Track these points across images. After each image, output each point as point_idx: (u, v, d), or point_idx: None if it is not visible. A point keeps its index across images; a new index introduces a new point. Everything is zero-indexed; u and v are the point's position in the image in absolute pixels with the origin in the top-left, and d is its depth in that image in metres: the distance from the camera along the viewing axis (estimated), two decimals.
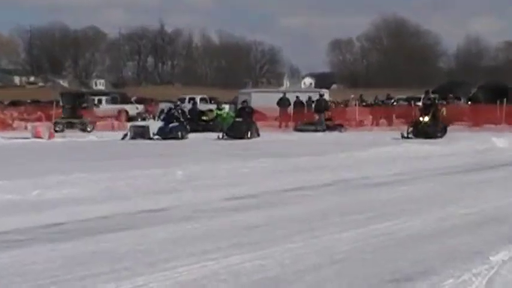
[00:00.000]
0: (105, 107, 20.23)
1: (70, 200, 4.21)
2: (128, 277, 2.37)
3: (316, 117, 14.51)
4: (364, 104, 18.16)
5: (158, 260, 2.62)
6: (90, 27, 54.35)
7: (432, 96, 16.85)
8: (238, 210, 3.86)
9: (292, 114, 15.88)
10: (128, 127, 12.68)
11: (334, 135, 12.76)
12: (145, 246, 2.89)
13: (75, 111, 14.64)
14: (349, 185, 5.10)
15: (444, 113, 12.21)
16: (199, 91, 29.46)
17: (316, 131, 13.67)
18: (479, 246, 2.86)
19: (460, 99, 17.21)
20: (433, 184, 5.09)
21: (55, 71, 52.58)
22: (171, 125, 11.79)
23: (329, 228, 3.28)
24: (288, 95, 16.97)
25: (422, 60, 49.69)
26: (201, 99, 21.77)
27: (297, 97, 16.63)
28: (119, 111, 19.44)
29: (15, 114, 17.73)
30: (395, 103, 18.59)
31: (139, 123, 15.20)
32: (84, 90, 34.09)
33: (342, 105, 18.95)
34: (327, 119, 14.57)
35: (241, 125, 11.57)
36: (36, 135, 11.89)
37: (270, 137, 12.00)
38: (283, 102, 16.36)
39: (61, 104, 16.28)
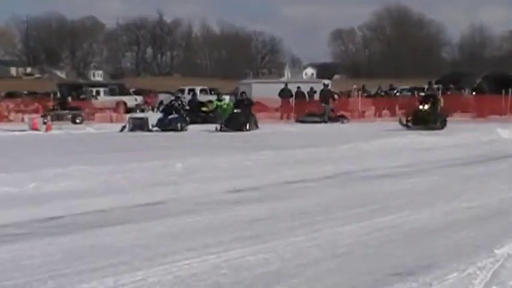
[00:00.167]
0: (103, 98, 20.03)
1: (67, 193, 4.18)
2: (127, 271, 2.34)
3: (324, 106, 14.32)
4: (366, 94, 18.02)
5: (157, 254, 2.59)
6: (87, 17, 54.01)
7: (435, 86, 16.72)
8: (240, 203, 3.82)
9: (293, 105, 15.77)
10: (127, 119, 12.62)
11: (336, 126, 12.69)
12: (144, 240, 2.86)
13: (64, 103, 14.46)
14: (352, 177, 5.06)
15: (441, 103, 12.13)
16: (199, 82, 29.27)
17: (318, 122, 13.58)
18: (484, 240, 2.82)
19: (464, 90, 17.07)
20: (437, 176, 5.05)
21: (52, 62, 52.24)
22: (170, 117, 11.72)
23: (331, 221, 3.25)
24: (289, 86, 16.87)
25: (425, 50, 49.36)
26: (201, 90, 21.64)
27: (298, 88, 16.53)
28: (117, 103, 19.26)
29: (12, 106, 17.58)
30: (398, 94, 18.47)
31: (138, 114, 15.14)
32: (81, 81, 33.87)
33: (344, 96, 18.77)
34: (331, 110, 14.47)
35: (239, 117, 11.42)
36: (33, 128, 11.84)
37: (271, 128, 11.92)
38: (284, 93, 16.25)
39: (57, 95, 16.15)
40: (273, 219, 3.30)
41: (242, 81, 21.84)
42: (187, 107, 12.82)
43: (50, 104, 15.61)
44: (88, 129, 12.40)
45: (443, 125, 10.84)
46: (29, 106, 17.61)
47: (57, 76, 46.82)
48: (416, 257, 2.54)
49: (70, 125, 13.37)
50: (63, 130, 11.85)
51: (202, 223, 3.25)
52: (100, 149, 7.88)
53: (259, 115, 15.27)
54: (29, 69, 51.27)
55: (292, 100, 15.95)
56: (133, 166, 5.30)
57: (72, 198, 4.00)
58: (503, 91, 14.39)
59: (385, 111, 15.94)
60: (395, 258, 2.53)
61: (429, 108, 10.91)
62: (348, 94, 19.14)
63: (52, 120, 12.44)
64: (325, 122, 13.63)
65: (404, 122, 10.94)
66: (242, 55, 53.44)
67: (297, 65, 56.13)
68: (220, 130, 11.09)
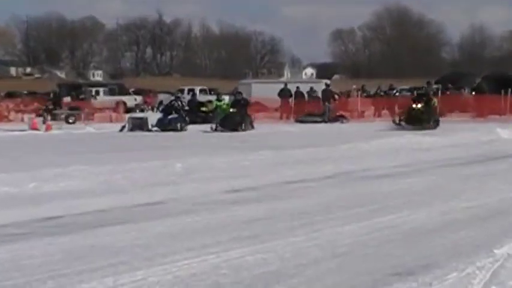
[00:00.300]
0: (103, 98, 20.02)
1: (67, 193, 4.18)
2: (126, 271, 2.34)
3: (326, 105, 14.30)
4: (365, 94, 18.02)
5: (157, 254, 2.59)
6: (87, 17, 53.97)
7: (435, 86, 16.66)
8: (239, 203, 3.82)
9: (293, 105, 15.79)
10: (126, 119, 12.62)
11: (335, 126, 12.69)
12: (143, 240, 2.86)
13: (59, 102, 14.41)
14: (351, 177, 5.06)
15: (436, 103, 12.09)
16: (199, 82, 29.26)
17: (317, 122, 13.59)
18: (484, 240, 2.83)
19: (464, 90, 17.07)
20: (436, 176, 5.05)
21: (52, 62, 52.21)
22: (170, 117, 11.72)
23: (331, 221, 3.25)
24: (289, 86, 16.88)
25: (425, 50, 49.33)
26: (201, 90, 21.62)
27: (298, 88, 16.54)
28: (117, 103, 19.26)
29: (12, 105, 17.56)
30: (397, 94, 18.51)
31: (138, 114, 15.13)
32: (81, 81, 33.85)
33: (344, 96, 18.78)
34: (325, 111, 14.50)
35: (235, 117, 11.33)
36: (33, 127, 11.83)
37: (270, 128, 11.92)
38: (284, 93, 16.26)
39: (51, 95, 16.08)
40: (272, 219, 3.31)
41: (241, 81, 21.83)
42: (187, 107, 12.81)
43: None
44: (88, 129, 12.40)
45: (436, 124, 10.75)
46: (29, 106, 17.59)
47: (57, 76, 46.81)
48: (415, 257, 2.54)
49: (69, 124, 13.37)
50: (63, 130, 11.87)
51: (201, 223, 3.25)
52: (100, 148, 7.88)
53: (258, 115, 15.28)
54: (28, 69, 51.23)
55: (291, 100, 15.97)
56: (133, 166, 5.30)
57: (72, 198, 4.00)
58: (503, 91, 14.38)
59: (385, 111, 15.94)
60: (395, 258, 2.53)
61: (422, 107, 10.81)
62: (348, 94, 19.14)
63: (44, 119, 12.44)
64: (325, 121, 13.63)
65: (397, 121, 10.87)
66: (242, 55, 53.41)
67: (296, 65, 56.14)
68: (216, 130, 11.06)
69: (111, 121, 14.91)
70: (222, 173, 5.17)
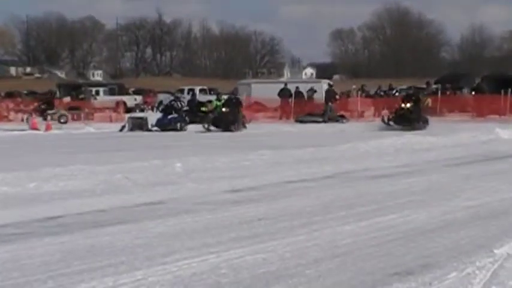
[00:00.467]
0: (103, 98, 20.00)
1: (67, 192, 4.18)
2: (126, 271, 2.34)
3: (329, 105, 14.26)
4: (365, 94, 18.04)
5: (157, 254, 2.59)
6: (87, 17, 54.03)
7: (434, 86, 16.62)
8: (239, 203, 3.82)
9: (293, 105, 15.80)
10: (126, 119, 12.62)
11: (335, 126, 12.68)
12: (143, 240, 2.86)
13: (50, 102, 14.39)
14: (351, 177, 5.06)
15: (429, 103, 11.98)
16: (199, 82, 29.32)
17: (317, 122, 13.58)
18: (484, 240, 2.83)
19: (464, 90, 17.08)
20: (437, 176, 5.04)
21: (52, 61, 52.24)
22: (169, 117, 11.73)
23: (331, 221, 3.25)
24: (288, 86, 16.89)
25: (425, 50, 49.28)
26: (201, 90, 21.64)
27: (297, 88, 16.55)
28: (117, 103, 19.22)
29: (12, 105, 17.57)
30: (397, 94, 18.52)
31: (138, 114, 15.15)
32: (81, 81, 33.87)
33: (343, 96, 18.81)
34: (323, 111, 14.51)
35: (227, 117, 11.27)
36: (33, 127, 11.83)
37: (271, 128, 11.92)
38: (284, 93, 16.27)
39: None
40: (272, 219, 3.30)
41: (241, 81, 21.80)
42: (187, 107, 12.81)
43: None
44: (88, 128, 12.40)
45: (425, 124, 10.60)
46: (29, 106, 17.60)
47: (56, 76, 46.87)
48: (415, 257, 2.54)
49: (69, 124, 13.37)
50: (63, 130, 11.89)
51: (201, 223, 3.25)
52: (100, 148, 7.87)
53: (258, 115, 15.28)
54: (28, 69, 51.25)
55: (291, 100, 15.99)
56: (133, 166, 5.30)
57: (72, 197, 4.00)
58: (503, 91, 14.40)
59: (385, 111, 15.96)
60: (395, 258, 2.53)
61: (411, 106, 10.69)
62: (347, 94, 19.15)
63: (28, 120, 12.42)
64: (326, 121, 13.60)
65: (386, 121, 10.75)
66: (241, 55, 53.44)
67: (296, 65, 56.17)
68: (208, 129, 11.01)
69: (111, 121, 14.91)
70: (222, 172, 5.17)
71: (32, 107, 16.34)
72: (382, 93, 17.81)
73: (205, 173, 5.12)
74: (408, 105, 10.74)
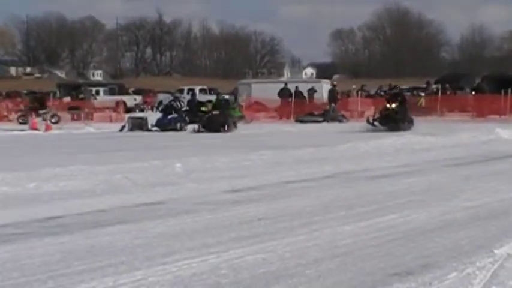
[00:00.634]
0: (103, 98, 20.09)
1: (67, 193, 4.18)
2: (126, 271, 2.34)
3: (332, 105, 14.19)
4: (365, 94, 18.05)
5: (157, 254, 2.59)
6: (87, 17, 54.10)
7: (434, 86, 16.59)
8: (239, 203, 3.82)
9: (293, 105, 15.81)
10: (126, 119, 12.65)
11: (335, 126, 12.70)
12: (143, 240, 2.86)
13: (41, 102, 14.40)
14: (351, 177, 5.06)
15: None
16: (199, 82, 29.30)
17: (317, 121, 13.53)
18: (483, 240, 2.83)
19: (464, 90, 17.08)
20: (436, 176, 5.04)
21: (52, 61, 52.30)
22: (169, 117, 11.76)
23: (331, 221, 3.25)
24: (288, 86, 16.89)
25: (425, 50, 49.30)
26: (201, 90, 21.69)
27: (297, 87, 16.55)
28: (117, 103, 19.31)
29: (11, 105, 17.59)
30: None
31: (138, 114, 15.19)
32: (81, 81, 33.89)
33: (344, 96, 18.83)
34: (325, 110, 14.52)
35: (217, 118, 11.22)
36: (33, 127, 11.84)
37: (270, 128, 11.93)
38: (284, 93, 16.28)
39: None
40: (272, 219, 3.30)
41: (241, 81, 21.82)
42: (187, 107, 12.82)
43: (51, 104, 15.57)
44: (88, 128, 12.42)
45: (410, 125, 10.38)
46: (22, 106, 17.56)
47: (56, 76, 46.94)
48: (415, 257, 2.54)
49: (70, 124, 13.38)
50: (63, 130, 11.91)
51: (201, 223, 3.25)
52: (99, 148, 7.89)
53: (258, 115, 15.28)
54: (28, 69, 51.31)
55: (291, 100, 16.00)
56: (132, 166, 5.30)
57: (72, 197, 4.00)
58: (503, 91, 14.40)
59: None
60: (395, 258, 2.53)
61: (397, 107, 10.43)
62: (347, 94, 19.18)
63: (23, 120, 12.35)
64: (327, 121, 13.55)
65: (371, 121, 10.48)
66: (241, 55, 53.48)
67: (296, 65, 56.22)
68: (198, 131, 10.98)
69: (111, 121, 14.96)
70: (222, 173, 5.16)
71: (21, 106, 16.30)
72: (382, 93, 17.82)
73: (205, 173, 5.12)
74: (393, 105, 10.50)
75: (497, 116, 13.73)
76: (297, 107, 15.54)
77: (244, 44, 54.57)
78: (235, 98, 17.30)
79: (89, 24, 53.79)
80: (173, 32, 55.60)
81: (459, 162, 6.08)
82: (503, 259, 2.50)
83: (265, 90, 17.23)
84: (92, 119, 14.93)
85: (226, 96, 13.71)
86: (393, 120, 10.30)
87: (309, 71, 52.99)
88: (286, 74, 50.47)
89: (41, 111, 13.58)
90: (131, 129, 11.51)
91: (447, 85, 16.77)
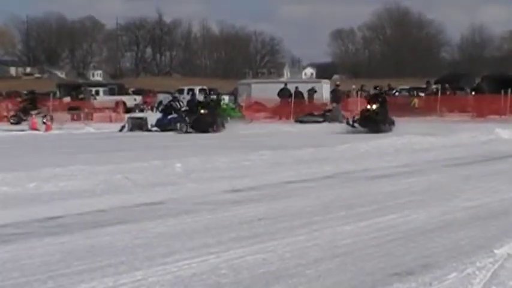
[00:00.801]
0: (103, 98, 20.13)
1: (67, 193, 4.18)
2: (126, 271, 2.34)
3: (335, 106, 14.09)
4: (365, 94, 18.06)
5: (157, 254, 2.59)
6: (87, 17, 54.10)
7: (434, 86, 16.59)
8: (239, 203, 3.82)
9: (293, 105, 15.81)
10: (126, 119, 12.66)
11: (335, 126, 12.65)
12: (144, 240, 2.86)
13: (34, 102, 14.37)
14: (351, 177, 5.06)
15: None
16: (199, 82, 29.31)
17: (317, 122, 13.54)
18: (483, 240, 2.83)
19: (463, 90, 17.09)
20: (436, 176, 5.05)
21: (52, 62, 52.33)
22: (169, 117, 11.78)
23: (331, 221, 3.25)
24: (288, 86, 16.90)
25: (425, 50, 49.30)
26: (200, 90, 21.71)
27: (296, 88, 16.56)
28: (117, 103, 19.34)
29: (11, 106, 17.60)
30: (397, 93, 18.46)
31: (138, 114, 15.19)
32: (81, 81, 33.91)
33: (344, 96, 18.82)
34: (328, 110, 14.52)
35: (206, 118, 11.13)
36: (33, 127, 11.85)
37: (270, 128, 11.94)
38: (283, 93, 16.30)
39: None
40: (272, 219, 3.31)
41: (241, 81, 21.84)
42: (187, 107, 12.83)
43: (51, 104, 15.58)
44: (87, 129, 12.44)
45: (391, 126, 10.17)
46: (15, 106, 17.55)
47: (56, 76, 46.97)
48: (415, 257, 2.54)
49: (70, 124, 13.38)
50: (63, 130, 11.91)
51: (201, 223, 3.25)
52: (99, 148, 7.89)
53: (258, 115, 15.28)
54: (28, 69, 51.33)
55: (291, 100, 16.01)
56: (133, 166, 5.31)
57: (72, 197, 4.00)
58: (503, 91, 14.39)
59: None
60: (395, 258, 2.53)
61: (377, 108, 10.14)
62: (347, 94, 19.19)
63: (16, 120, 12.33)
64: (328, 121, 13.55)
65: (351, 123, 10.26)
66: (241, 55, 53.49)
67: (296, 65, 56.24)
68: (186, 132, 10.92)
69: (110, 121, 14.95)
70: (222, 173, 5.17)
71: (11, 105, 16.28)
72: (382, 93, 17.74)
73: (205, 173, 5.12)
74: (374, 106, 10.21)
75: (497, 116, 13.73)
76: (296, 107, 15.54)
77: (244, 44, 54.62)
78: (235, 98, 17.33)
79: (89, 24, 53.83)
80: (173, 32, 55.64)
81: (459, 162, 6.09)
82: (503, 259, 2.50)
83: (265, 90, 17.24)
84: (91, 119, 14.94)
85: (214, 96, 13.65)
86: (373, 121, 10.05)
87: (309, 71, 53.00)
88: (286, 74, 50.48)
89: (32, 112, 13.56)
90: (131, 130, 11.53)
91: (447, 85, 16.78)
